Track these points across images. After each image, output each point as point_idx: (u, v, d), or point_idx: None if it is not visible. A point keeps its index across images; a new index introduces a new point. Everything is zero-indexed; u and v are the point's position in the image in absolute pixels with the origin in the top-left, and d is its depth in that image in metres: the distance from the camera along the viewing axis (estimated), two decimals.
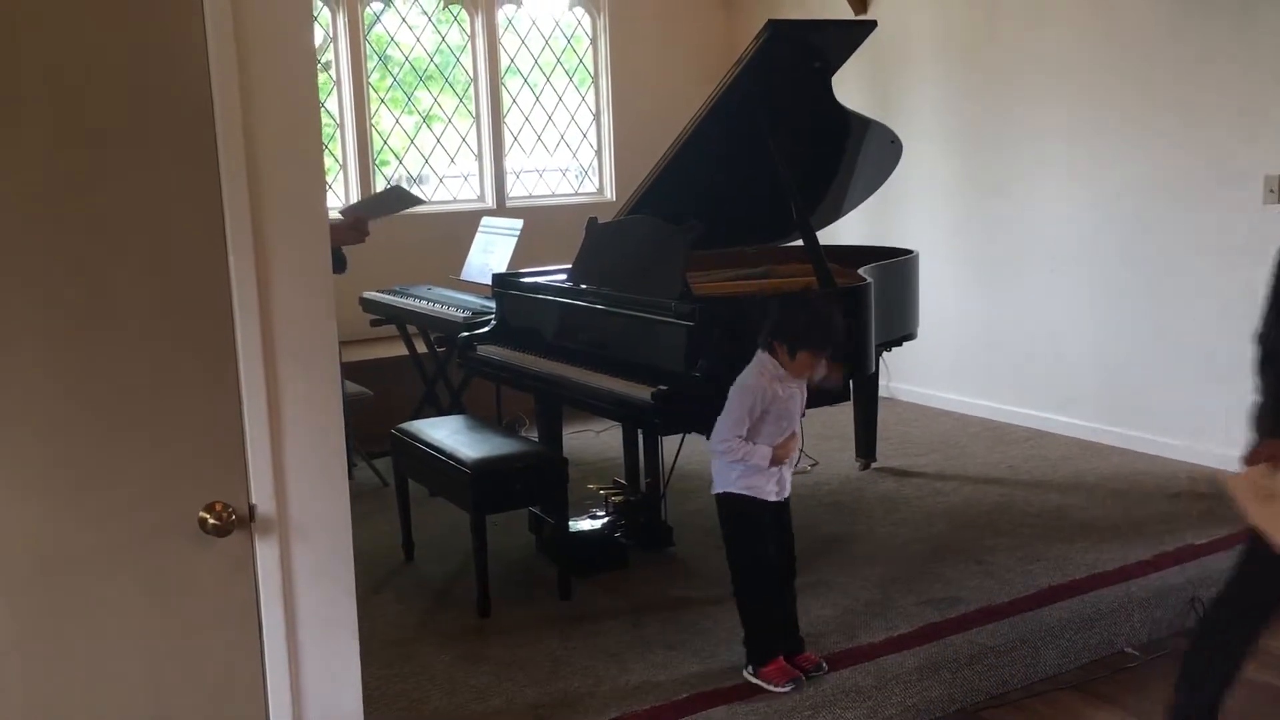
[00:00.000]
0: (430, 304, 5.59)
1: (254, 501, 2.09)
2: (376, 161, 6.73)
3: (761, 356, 3.26)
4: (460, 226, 6.24)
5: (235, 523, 2.00)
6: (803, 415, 3.34)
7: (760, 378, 3.23)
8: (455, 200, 6.99)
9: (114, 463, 1.95)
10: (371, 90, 6.67)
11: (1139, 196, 5.40)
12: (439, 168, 6.96)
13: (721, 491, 3.31)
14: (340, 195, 6.59)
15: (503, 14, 7.00)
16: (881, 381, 5.49)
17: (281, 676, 2.18)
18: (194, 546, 2.01)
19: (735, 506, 3.30)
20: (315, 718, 2.25)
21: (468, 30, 6.95)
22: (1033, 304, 5.97)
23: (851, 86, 5.64)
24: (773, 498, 3.30)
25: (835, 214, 5.05)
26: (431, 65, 6.91)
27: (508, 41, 7.06)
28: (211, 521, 1.98)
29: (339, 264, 4.61)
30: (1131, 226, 5.45)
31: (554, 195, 7.30)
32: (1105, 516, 4.63)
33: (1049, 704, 3.47)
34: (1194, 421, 5.27)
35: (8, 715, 1.92)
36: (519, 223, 5.68)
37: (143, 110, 1.94)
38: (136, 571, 1.99)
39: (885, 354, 4.83)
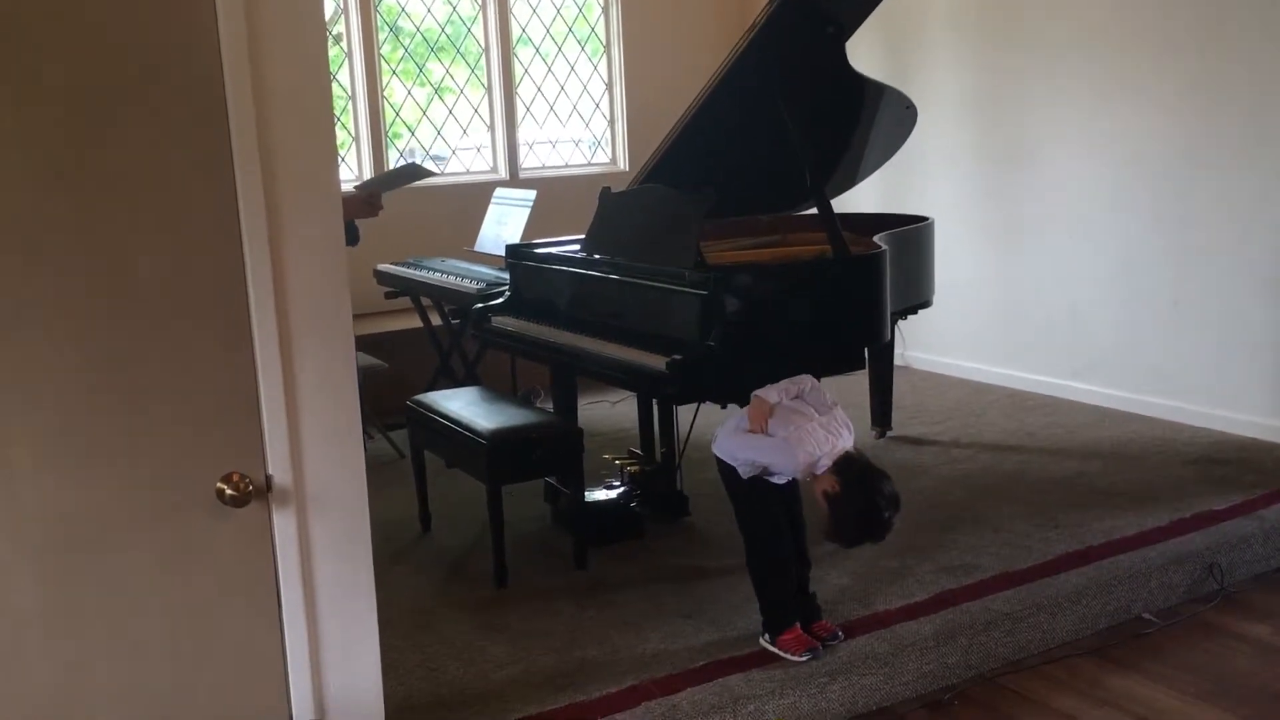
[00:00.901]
0: (444, 276, 5.58)
1: (270, 472, 2.10)
2: (389, 134, 6.72)
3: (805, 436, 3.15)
4: (473, 198, 6.23)
5: (252, 493, 2.02)
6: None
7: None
8: (468, 172, 6.97)
9: (131, 435, 1.97)
10: (383, 62, 6.65)
11: (1158, 161, 5.35)
12: (452, 139, 6.94)
13: (721, 458, 3.31)
14: (353, 168, 6.59)
15: None
16: (897, 350, 5.46)
17: (300, 646, 2.20)
18: (212, 518, 2.03)
19: (735, 473, 3.30)
20: (334, 687, 2.27)
21: (479, 0, 6.91)
22: (1050, 270, 5.93)
23: (866, 52, 5.60)
24: (778, 480, 3.29)
25: (850, 181, 5.02)
26: (443, 36, 6.88)
27: (519, 11, 7.02)
28: (229, 492, 1.99)
29: (351, 237, 4.63)
30: (1150, 191, 5.40)
31: (567, 166, 7.27)
32: (1123, 483, 4.61)
33: (1066, 670, 3.48)
34: (1212, 388, 5.24)
35: (32, 683, 1.95)
36: (532, 194, 5.67)
37: (154, 87, 1.94)
38: (156, 542, 2.01)
39: (900, 322, 4.81)
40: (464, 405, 4.22)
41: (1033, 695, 3.35)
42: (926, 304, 4.89)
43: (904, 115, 4.81)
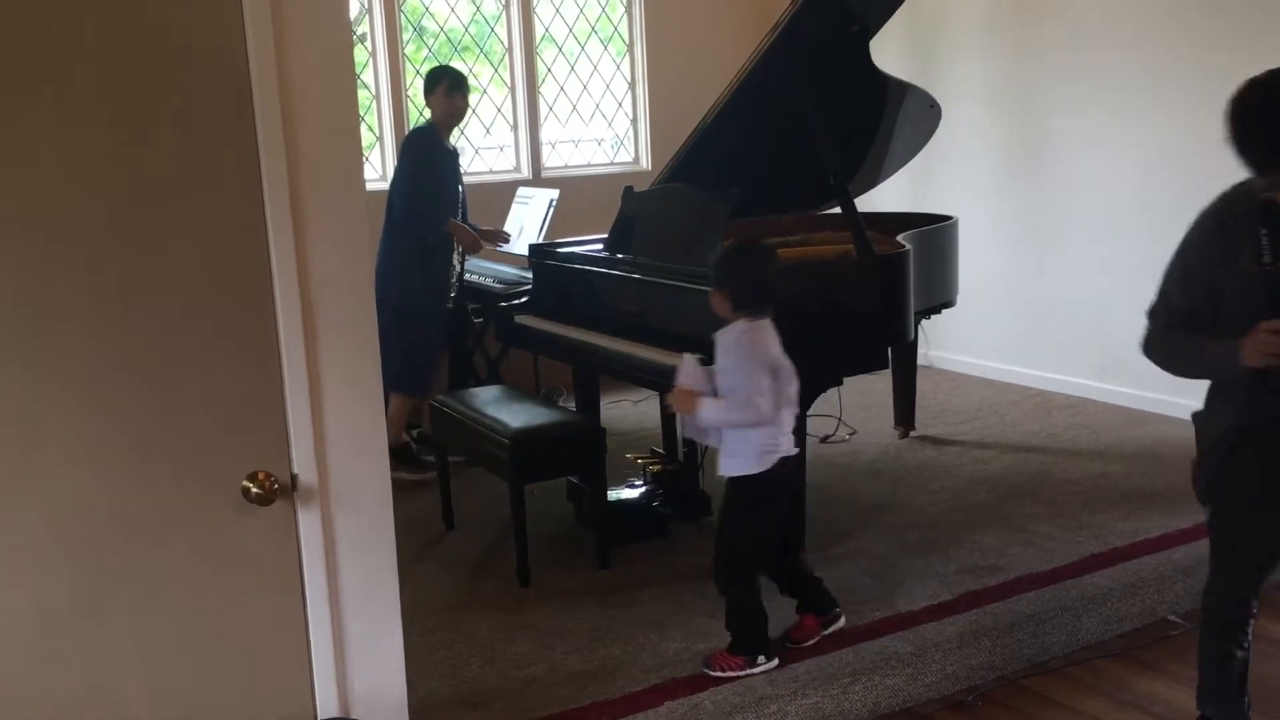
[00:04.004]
0: (468, 275, 5.60)
1: (296, 471, 2.12)
2: None
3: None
4: (496, 197, 6.24)
5: (278, 492, 2.03)
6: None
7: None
8: (491, 171, 6.98)
9: (159, 433, 1.98)
10: (407, 62, 6.67)
11: (1186, 158, 5.31)
12: (475, 139, 6.96)
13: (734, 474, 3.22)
14: (377, 167, 6.61)
15: None
16: (920, 349, 5.45)
17: (325, 643, 2.21)
18: (238, 515, 2.04)
19: (748, 487, 3.22)
20: (358, 683, 2.28)
21: (502, 0, 6.92)
22: (1074, 269, 5.89)
23: (890, 50, 5.58)
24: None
25: (873, 180, 5.01)
26: (466, 36, 6.89)
27: (542, 10, 7.03)
28: (255, 491, 2.00)
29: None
30: (1178, 189, 5.35)
31: (590, 165, 7.28)
32: (1148, 484, 4.58)
33: (1091, 672, 3.46)
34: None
35: (64, 677, 1.97)
36: (555, 193, 5.68)
37: (182, 90, 1.95)
38: (184, 539, 2.03)
39: (924, 322, 4.80)
40: (487, 404, 4.23)
41: (1057, 697, 3.33)
42: (950, 303, 4.87)
43: (928, 114, 4.79)
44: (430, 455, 4.92)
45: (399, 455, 4.81)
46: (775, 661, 3.25)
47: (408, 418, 5.22)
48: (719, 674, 3.20)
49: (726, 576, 3.31)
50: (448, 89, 5.04)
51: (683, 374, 3.27)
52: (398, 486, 4.43)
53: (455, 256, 5.26)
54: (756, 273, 3.23)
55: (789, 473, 3.27)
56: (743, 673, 3.20)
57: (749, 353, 3.13)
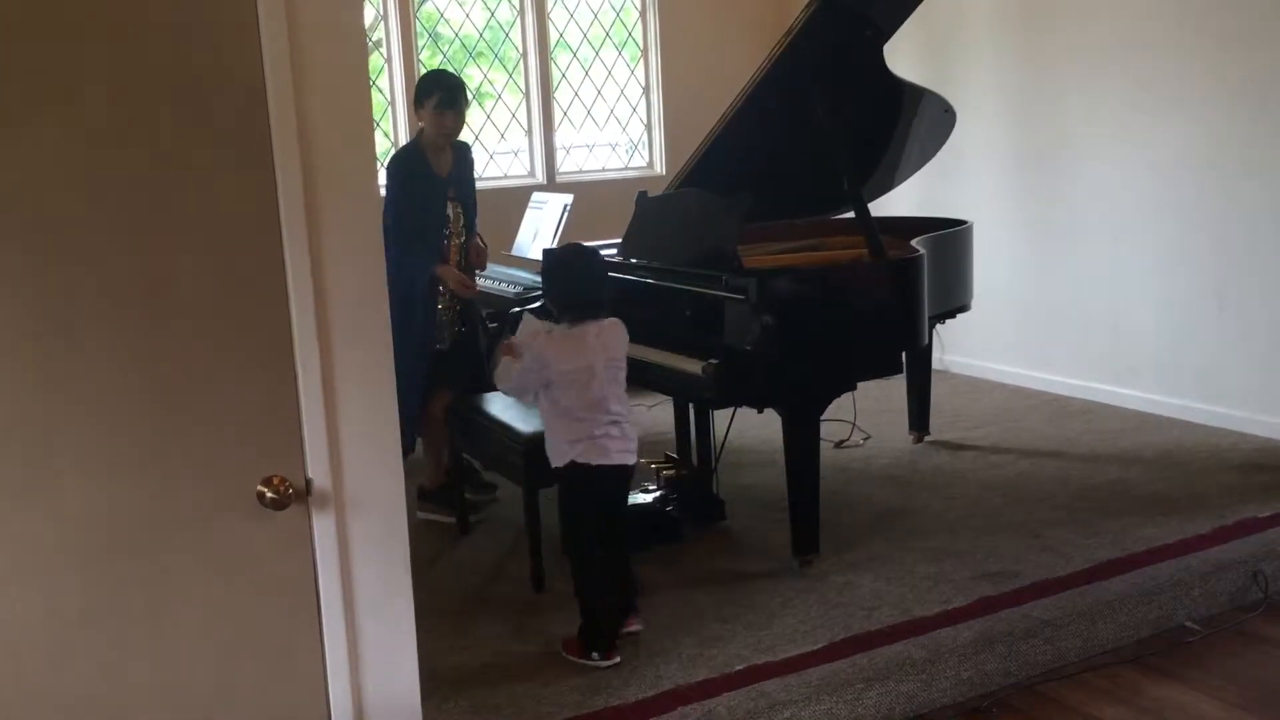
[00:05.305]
0: (481, 280, 5.60)
1: (310, 475, 2.12)
2: None
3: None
4: (511, 202, 6.25)
5: (292, 496, 2.03)
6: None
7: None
8: (505, 176, 7.00)
9: (172, 438, 1.99)
10: (422, 68, 6.69)
11: (1201, 161, 5.29)
12: (489, 144, 6.98)
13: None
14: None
15: None
16: (935, 354, 5.43)
17: (339, 647, 2.21)
18: (252, 520, 2.04)
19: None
20: (372, 687, 2.28)
21: (517, 6, 6.94)
22: (1091, 273, 5.87)
23: (905, 54, 5.58)
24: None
25: (888, 185, 5.00)
26: (481, 42, 6.91)
27: (557, 16, 7.05)
28: (269, 495, 2.01)
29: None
30: (1193, 192, 5.34)
31: (604, 170, 7.29)
32: (1165, 490, 4.56)
33: (1106, 678, 3.44)
34: (1257, 393, 5.17)
35: (80, 683, 1.98)
36: (569, 198, 5.69)
37: (198, 94, 1.96)
38: (198, 545, 2.03)
39: (939, 326, 4.79)
40: (502, 409, 4.24)
41: (1073, 704, 3.32)
42: (965, 308, 4.86)
43: (942, 118, 4.78)
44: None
45: (438, 498, 4.60)
46: (613, 661, 3.32)
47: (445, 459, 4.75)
48: (567, 657, 3.36)
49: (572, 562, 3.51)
50: (438, 105, 4.45)
51: (520, 330, 3.59)
52: (431, 528, 4.36)
53: (441, 299, 4.78)
54: (565, 280, 3.41)
55: (591, 477, 3.36)
56: (581, 661, 3.33)
57: (536, 353, 3.30)
